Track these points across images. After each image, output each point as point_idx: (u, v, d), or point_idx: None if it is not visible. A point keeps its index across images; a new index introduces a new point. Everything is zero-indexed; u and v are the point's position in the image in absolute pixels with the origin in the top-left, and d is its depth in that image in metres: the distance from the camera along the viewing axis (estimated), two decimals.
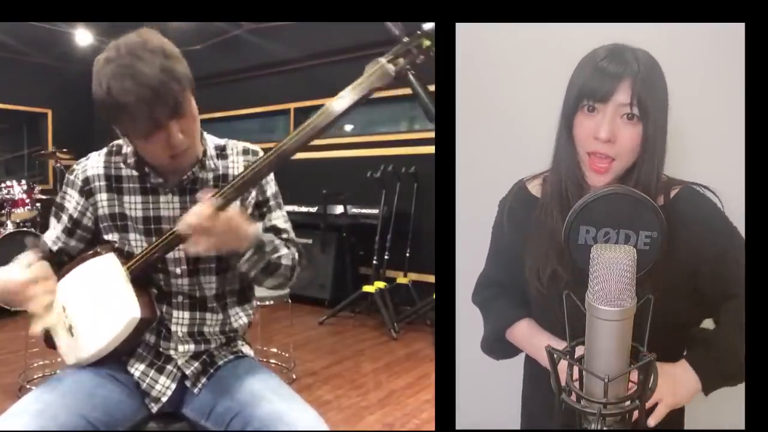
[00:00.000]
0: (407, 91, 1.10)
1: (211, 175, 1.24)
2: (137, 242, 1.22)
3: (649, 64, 1.10)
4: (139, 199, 1.22)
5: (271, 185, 1.30)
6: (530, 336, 1.32)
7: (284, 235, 1.28)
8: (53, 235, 1.26)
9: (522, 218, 1.30)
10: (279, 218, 1.30)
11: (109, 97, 1.03)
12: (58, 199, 1.28)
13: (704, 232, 1.16)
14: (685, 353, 1.18)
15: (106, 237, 1.23)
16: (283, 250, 1.23)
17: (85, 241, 1.27)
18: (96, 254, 1.20)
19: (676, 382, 1.13)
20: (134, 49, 1.03)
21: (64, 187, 1.27)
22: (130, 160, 1.22)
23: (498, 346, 1.40)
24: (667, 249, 1.05)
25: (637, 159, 1.12)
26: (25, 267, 1.12)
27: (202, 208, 1.04)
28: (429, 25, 1.10)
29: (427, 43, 1.09)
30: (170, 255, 1.19)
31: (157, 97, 1.02)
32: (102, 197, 1.23)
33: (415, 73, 1.08)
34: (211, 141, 1.27)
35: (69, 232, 1.25)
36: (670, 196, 1.18)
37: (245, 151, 1.29)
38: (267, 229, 1.27)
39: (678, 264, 1.12)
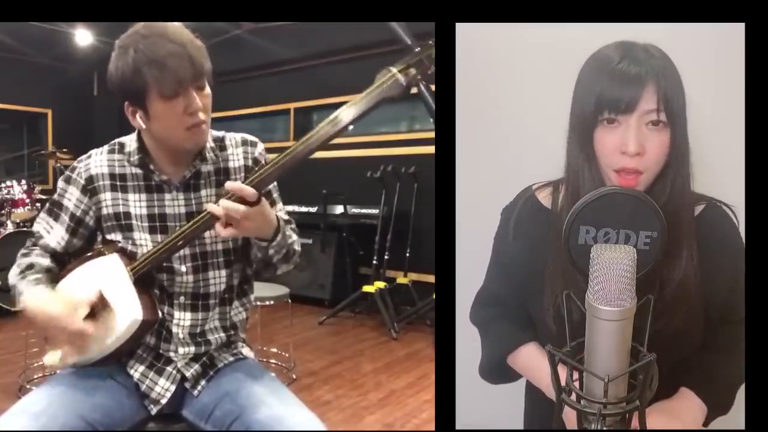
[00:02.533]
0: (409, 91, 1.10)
1: (212, 168, 1.24)
2: (142, 241, 1.21)
3: (666, 58, 1.02)
4: (143, 197, 1.22)
5: None
6: (536, 363, 1.23)
7: (291, 225, 1.30)
8: (57, 235, 1.25)
9: (531, 230, 1.23)
10: (281, 211, 1.30)
11: (136, 58, 1.07)
12: (55, 197, 1.27)
13: (726, 255, 1.14)
14: (688, 384, 1.17)
15: (108, 237, 1.23)
16: (294, 236, 1.25)
17: (85, 239, 1.27)
18: (100, 254, 1.20)
19: (674, 415, 1.12)
20: (156, 26, 1.10)
21: (63, 185, 1.26)
22: (134, 158, 1.22)
23: (498, 372, 1.34)
24: (687, 267, 1.04)
25: (665, 167, 1.04)
26: (68, 304, 1.11)
27: (247, 189, 1.04)
28: None
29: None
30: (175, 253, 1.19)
31: (185, 53, 1.07)
32: (106, 197, 1.22)
33: (426, 83, 1.08)
34: (210, 134, 1.27)
35: (72, 231, 1.25)
36: (694, 213, 1.14)
37: (243, 142, 1.29)
38: None
39: (696, 284, 1.10)
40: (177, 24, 1.12)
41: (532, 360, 1.25)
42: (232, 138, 1.29)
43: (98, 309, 1.14)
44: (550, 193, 1.24)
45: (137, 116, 1.14)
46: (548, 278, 1.15)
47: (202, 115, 1.13)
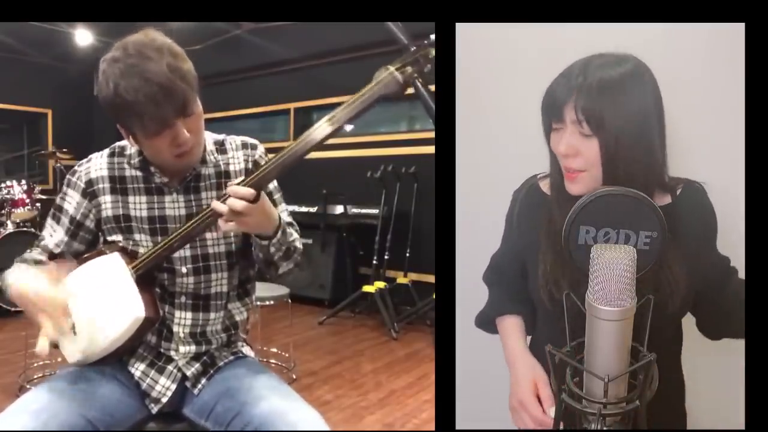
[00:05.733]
0: (408, 91, 1.10)
1: (212, 171, 1.24)
2: (142, 242, 1.22)
3: (598, 78, 1.07)
4: (144, 199, 1.22)
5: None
6: (506, 332, 1.37)
7: (294, 227, 1.30)
8: (57, 238, 1.26)
9: (531, 215, 1.30)
10: (284, 212, 1.30)
11: (116, 96, 1.04)
12: (57, 201, 1.28)
13: (705, 229, 1.20)
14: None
15: (109, 238, 1.23)
16: (295, 234, 1.25)
17: (86, 243, 1.27)
18: (101, 253, 1.20)
19: None
20: (141, 48, 1.05)
21: (64, 188, 1.27)
22: (135, 161, 1.22)
23: (489, 327, 1.45)
24: (674, 244, 1.06)
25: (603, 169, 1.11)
26: (50, 278, 1.09)
27: (244, 190, 1.04)
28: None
29: (434, 52, 1.10)
30: (176, 254, 1.19)
31: (165, 95, 1.03)
32: (106, 199, 1.23)
33: (423, 81, 1.09)
34: (210, 137, 1.27)
35: (72, 234, 1.25)
36: (676, 193, 1.19)
37: (244, 145, 1.29)
38: None
39: (681, 258, 1.12)
40: (161, 44, 1.06)
41: (505, 330, 1.39)
42: (233, 141, 1.29)
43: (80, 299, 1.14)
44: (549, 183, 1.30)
45: (129, 137, 1.15)
46: (541, 263, 1.21)
47: (189, 142, 1.12)
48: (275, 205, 1.28)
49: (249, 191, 1.04)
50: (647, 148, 1.11)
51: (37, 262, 1.23)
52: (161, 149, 1.12)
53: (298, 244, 1.25)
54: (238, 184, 1.07)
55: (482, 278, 1.48)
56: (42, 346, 1.05)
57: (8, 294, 1.15)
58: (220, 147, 1.27)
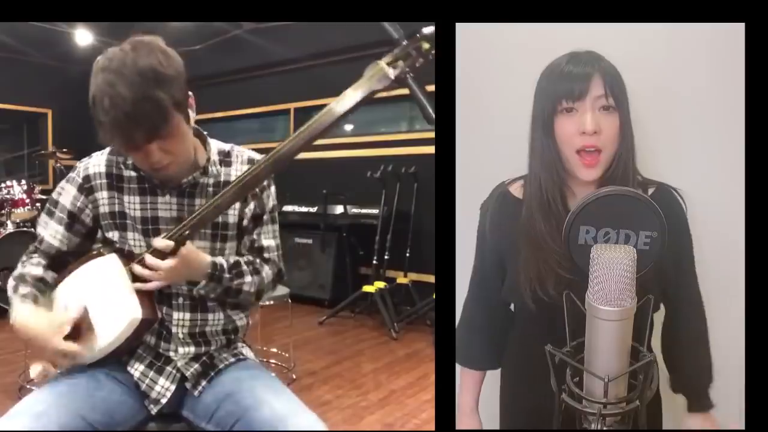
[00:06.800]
0: (407, 91, 1.10)
1: (212, 181, 1.24)
2: (136, 242, 1.22)
3: (609, 64, 1.17)
4: (137, 199, 1.22)
5: (271, 198, 1.30)
6: (464, 385, 1.44)
7: (266, 254, 1.30)
8: (53, 230, 1.25)
9: (505, 221, 1.31)
10: (269, 233, 1.30)
11: (94, 108, 1.06)
12: (53, 196, 1.27)
13: (673, 231, 1.19)
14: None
15: (107, 235, 1.23)
16: (247, 278, 1.24)
17: (82, 236, 1.26)
18: (99, 255, 1.20)
19: None
20: (122, 68, 1.02)
21: (62, 183, 1.26)
22: (130, 161, 1.22)
23: None
24: None
25: (618, 147, 1.17)
26: (50, 321, 1.12)
27: (155, 262, 1.10)
28: (429, 29, 1.10)
29: (426, 46, 1.08)
30: None
31: (131, 121, 1.02)
32: (103, 195, 1.23)
33: (414, 75, 1.08)
34: (215, 146, 1.27)
35: (67, 226, 1.24)
36: (648, 193, 1.21)
37: (250, 161, 1.28)
38: (250, 249, 1.29)
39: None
40: (143, 65, 1.02)
41: (463, 379, 1.45)
42: (240, 154, 1.28)
43: (82, 326, 1.14)
44: (521, 186, 1.32)
45: None
46: (522, 263, 1.22)
47: (163, 161, 1.11)
48: (261, 224, 1.29)
49: (164, 244, 1.10)
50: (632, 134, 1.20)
51: (39, 280, 1.22)
52: (138, 161, 1.15)
53: (247, 288, 1.23)
54: (168, 236, 1.12)
55: (461, 313, 1.47)
56: (35, 373, 1.11)
57: (11, 323, 1.15)
58: (225, 158, 1.27)
